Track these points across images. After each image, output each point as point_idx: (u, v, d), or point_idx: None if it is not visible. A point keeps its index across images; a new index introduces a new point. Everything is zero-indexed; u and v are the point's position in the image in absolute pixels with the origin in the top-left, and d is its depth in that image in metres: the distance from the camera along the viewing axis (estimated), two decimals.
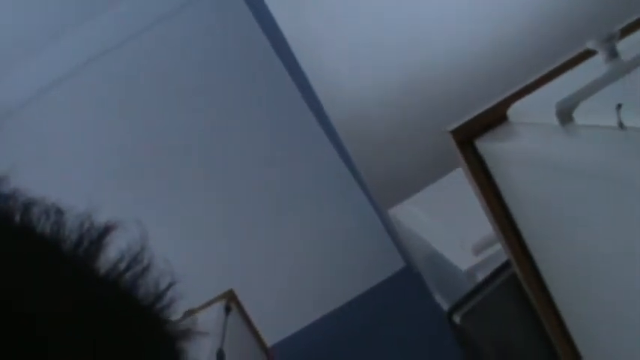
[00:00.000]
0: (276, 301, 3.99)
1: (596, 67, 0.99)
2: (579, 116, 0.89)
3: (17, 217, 0.30)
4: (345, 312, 4.01)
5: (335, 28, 3.05)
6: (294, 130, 3.93)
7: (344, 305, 4.07)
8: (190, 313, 2.52)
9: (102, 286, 0.31)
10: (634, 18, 1.16)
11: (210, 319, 2.54)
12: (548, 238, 1.13)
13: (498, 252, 1.50)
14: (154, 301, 0.33)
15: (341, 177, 3.98)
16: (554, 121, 0.93)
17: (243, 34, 3.78)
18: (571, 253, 1.06)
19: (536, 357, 1.41)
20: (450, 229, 2.18)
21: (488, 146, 1.14)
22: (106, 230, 0.33)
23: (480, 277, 1.77)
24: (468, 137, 1.16)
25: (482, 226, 1.34)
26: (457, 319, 1.45)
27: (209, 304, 2.80)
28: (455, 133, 1.16)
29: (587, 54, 1.10)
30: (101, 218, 0.33)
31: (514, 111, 1.12)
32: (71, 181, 3.71)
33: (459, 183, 1.44)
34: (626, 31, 1.10)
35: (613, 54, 0.97)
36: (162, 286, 0.33)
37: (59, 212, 0.31)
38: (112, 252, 0.32)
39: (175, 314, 0.34)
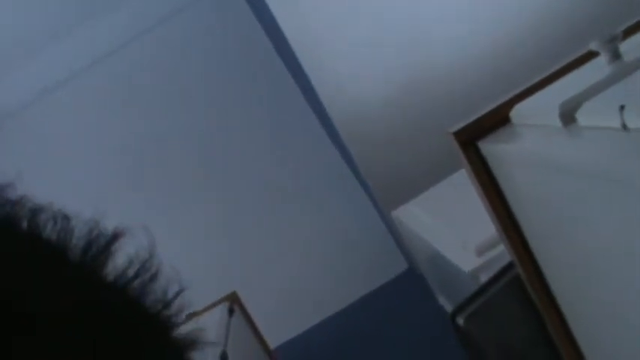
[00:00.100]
0: (279, 304, 3.99)
1: (598, 68, 0.99)
2: (582, 117, 0.89)
3: (24, 224, 0.30)
4: (348, 314, 4.01)
5: (337, 29, 3.06)
6: (296, 132, 3.93)
7: (347, 307, 4.06)
8: (193, 315, 2.52)
9: (109, 292, 0.31)
10: (637, 19, 1.16)
11: (213, 321, 2.54)
12: (552, 240, 1.13)
13: (501, 253, 1.51)
14: (162, 309, 0.33)
15: (343, 179, 3.97)
16: (557, 122, 0.93)
17: (245, 35, 3.78)
18: (574, 254, 1.06)
19: (539, 359, 1.41)
20: (453, 230, 2.18)
21: (491, 148, 1.14)
22: (114, 237, 0.33)
23: (484, 278, 1.77)
24: (471, 139, 1.16)
25: (486, 227, 1.33)
26: (460, 320, 1.45)
27: (212, 306, 2.80)
28: (458, 134, 1.16)
29: (590, 55, 1.10)
30: (103, 220, 0.33)
31: (517, 112, 1.12)
32: (72, 182, 3.72)
33: (461, 184, 1.43)
34: (629, 32, 1.10)
35: (616, 55, 0.97)
36: (170, 294, 0.33)
37: (66, 219, 0.31)
38: (120, 259, 0.32)
39: (183, 323, 0.34)
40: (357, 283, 4.07)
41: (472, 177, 1.20)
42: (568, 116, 0.91)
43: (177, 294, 0.34)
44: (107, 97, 3.81)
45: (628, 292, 0.91)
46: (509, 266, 1.39)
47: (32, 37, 3.46)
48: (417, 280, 3.57)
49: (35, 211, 0.31)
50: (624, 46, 0.98)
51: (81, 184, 3.76)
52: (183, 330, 0.34)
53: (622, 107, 0.76)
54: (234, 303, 2.84)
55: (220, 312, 2.68)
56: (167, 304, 0.33)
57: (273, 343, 3.37)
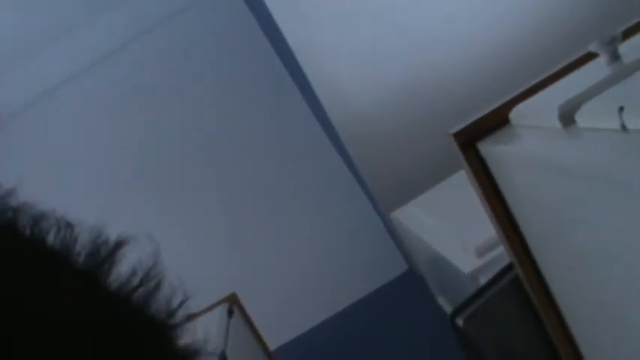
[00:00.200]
0: (278, 305, 3.98)
1: (598, 69, 0.99)
2: (581, 119, 0.89)
3: (27, 231, 0.30)
4: (347, 315, 4.00)
5: (337, 31, 3.06)
6: (296, 133, 3.93)
7: (346, 309, 4.06)
8: (193, 316, 2.51)
9: (113, 301, 0.31)
10: (636, 20, 1.16)
11: (212, 322, 2.54)
12: (551, 241, 1.13)
13: (501, 254, 1.51)
14: (166, 318, 0.33)
15: (343, 180, 3.97)
16: (557, 123, 0.93)
17: (245, 38, 3.79)
18: (573, 255, 1.06)
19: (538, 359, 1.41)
20: (453, 231, 2.18)
21: (490, 149, 1.14)
22: (118, 245, 0.32)
23: (483, 279, 1.77)
24: (471, 140, 1.16)
25: (485, 228, 1.34)
26: (460, 321, 1.45)
27: (211, 307, 2.79)
28: (457, 135, 1.16)
29: (590, 56, 1.10)
30: (106, 226, 0.32)
31: (516, 114, 1.12)
32: (72, 183, 3.73)
33: (461, 185, 1.44)
34: (628, 33, 1.10)
35: (615, 56, 0.97)
36: (175, 303, 0.33)
37: (69, 226, 0.31)
38: (124, 267, 0.32)
39: (187, 333, 0.34)
40: (357, 284, 4.06)
41: (472, 178, 1.20)
42: (567, 117, 0.91)
43: (182, 304, 0.33)
44: (107, 99, 3.81)
45: (628, 293, 0.91)
46: (509, 267, 1.39)
47: (33, 38, 3.47)
48: (416, 281, 3.57)
49: (38, 218, 0.30)
50: (623, 48, 0.99)
51: (81, 185, 3.76)
52: (187, 339, 0.34)
53: (621, 108, 0.76)
54: (233, 304, 2.83)
55: (220, 313, 2.68)
56: (171, 314, 0.33)
57: (272, 344, 3.37)
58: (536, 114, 1.06)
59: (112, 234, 0.33)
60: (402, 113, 3.14)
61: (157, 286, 0.33)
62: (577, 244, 1.02)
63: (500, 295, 1.42)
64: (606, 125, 0.81)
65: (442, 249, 2.24)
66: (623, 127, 0.76)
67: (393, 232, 3.60)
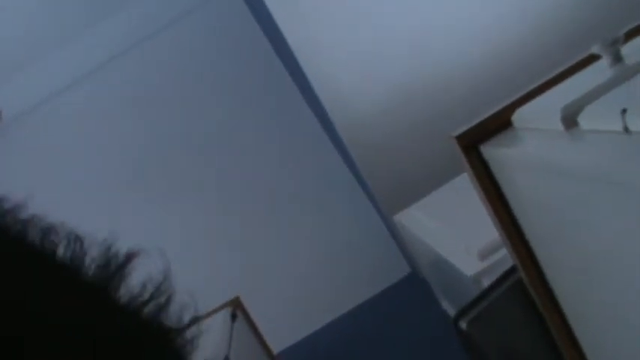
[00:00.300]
0: (282, 308, 3.98)
1: (600, 71, 0.99)
2: (584, 121, 0.89)
3: (37, 243, 0.30)
4: (350, 319, 4.00)
5: (337, 32, 3.06)
6: (299, 137, 3.93)
7: (349, 312, 4.06)
8: (196, 320, 2.51)
9: (122, 315, 0.31)
10: (638, 22, 1.16)
11: (216, 326, 2.54)
12: (554, 243, 1.13)
13: (504, 257, 1.50)
14: (176, 334, 0.33)
15: (346, 183, 3.97)
16: (559, 126, 0.93)
17: (247, 41, 3.79)
18: (576, 258, 1.06)
19: None
20: (456, 234, 2.18)
21: (493, 151, 1.14)
22: (128, 258, 0.32)
23: (486, 282, 1.77)
24: (473, 143, 1.16)
25: (488, 231, 1.33)
26: (463, 325, 1.44)
27: (215, 311, 2.79)
28: (460, 138, 1.16)
29: (592, 58, 1.10)
30: (116, 237, 0.32)
31: (519, 116, 1.12)
32: (74, 186, 3.73)
33: (464, 188, 1.43)
34: (631, 35, 1.10)
35: (617, 58, 0.97)
36: (185, 319, 0.33)
37: (78, 239, 0.31)
38: (135, 281, 0.32)
39: (196, 348, 0.33)
40: (360, 287, 4.06)
41: (474, 181, 1.20)
42: (570, 120, 0.91)
43: (193, 321, 0.33)
44: (108, 103, 3.82)
45: (630, 295, 0.91)
46: (512, 270, 1.39)
47: (34, 43, 3.48)
48: (419, 284, 3.56)
49: (47, 231, 0.30)
50: (626, 50, 0.99)
51: (83, 188, 3.77)
52: (190, 342, 0.33)
53: (624, 110, 0.76)
54: (236, 308, 2.83)
55: (223, 317, 2.68)
56: (181, 330, 0.32)
57: (276, 347, 3.36)
58: (539, 116, 1.06)
59: (120, 241, 0.32)
60: (404, 115, 3.14)
61: (168, 302, 0.32)
62: (580, 246, 1.02)
63: (504, 298, 1.42)
64: (609, 127, 0.81)
65: (445, 252, 2.24)
66: (626, 129, 0.76)
67: (395, 235, 3.60)
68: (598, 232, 0.92)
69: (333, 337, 3.90)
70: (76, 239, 0.31)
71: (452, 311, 2.60)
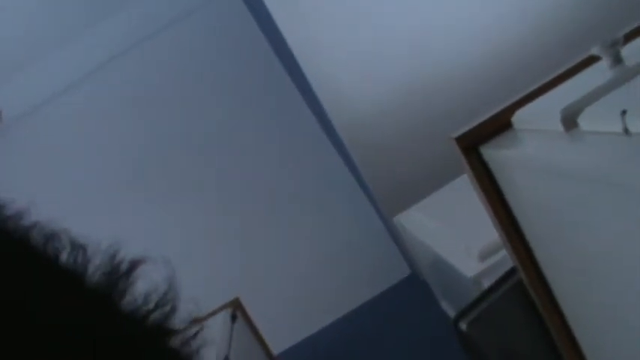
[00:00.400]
0: (282, 309, 3.98)
1: (600, 72, 0.99)
2: (584, 122, 0.89)
3: (39, 247, 0.30)
4: (350, 320, 4.00)
5: (337, 32, 3.06)
6: (299, 138, 3.93)
7: (349, 313, 4.06)
8: (196, 321, 2.51)
9: (126, 321, 0.31)
10: (638, 23, 1.16)
11: (216, 327, 2.54)
12: (554, 244, 1.13)
13: (504, 258, 1.50)
14: (182, 346, 0.32)
15: (346, 184, 3.97)
16: (559, 127, 0.92)
17: (247, 41, 3.79)
18: (576, 259, 1.06)
19: None
20: (456, 235, 2.18)
21: (493, 153, 1.14)
22: (133, 266, 0.32)
23: (486, 283, 1.76)
24: (473, 144, 1.16)
25: (488, 232, 1.33)
26: (463, 326, 1.44)
27: (215, 312, 2.79)
28: (460, 139, 1.16)
29: (592, 60, 1.10)
30: (118, 241, 0.32)
31: (518, 117, 1.12)
32: (74, 187, 3.73)
33: (464, 189, 1.43)
34: (630, 36, 1.10)
35: (617, 60, 0.97)
36: (191, 330, 0.33)
37: (82, 246, 0.31)
38: (139, 289, 0.32)
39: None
40: (360, 288, 4.06)
41: (474, 182, 1.20)
42: (570, 121, 0.91)
43: (198, 332, 0.33)
44: (108, 103, 3.82)
45: (631, 297, 0.91)
46: (512, 271, 1.39)
47: (35, 43, 3.48)
48: (419, 285, 3.56)
49: (50, 237, 0.30)
50: (625, 51, 0.98)
51: (83, 188, 3.77)
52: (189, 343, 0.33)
53: (624, 112, 0.76)
54: (236, 309, 2.83)
55: (223, 318, 2.68)
56: (187, 341, 0.32)
57: (276, 348, 3.36)
58: (539, 118, 1.05)
59: (123, 245, 0.32)
60: (404, 115, 3.14)
61: (173, 310, 0.32)
62: (579, 248, 1.02)
63: (504, 299, 1.42)
64: (609, 129, 0.81)
65: (445, 253, 2.23)
66: (626, 131, 0.75)
67: (395, 236, 3.60)
68: (598, 233, 0.92)
69: (333, 338, 3.89)
70: (80, 246, 0.31)
71: (452, 312, 2.60)
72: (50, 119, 3.76)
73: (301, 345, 4.02)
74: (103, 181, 3.84)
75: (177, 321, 0.32)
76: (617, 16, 2.43)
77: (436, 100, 3.13)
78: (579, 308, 1.20)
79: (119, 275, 0.31)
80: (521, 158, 1.06)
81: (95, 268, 0.31)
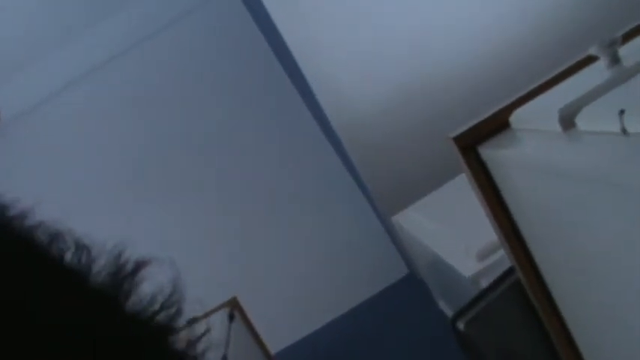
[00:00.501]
0: (281, 308, 3.98)
1: (598, 72, 0.99)
2: (582, 122, 0.89)
3: (43, 247, 0.30)
4: (348, 319, 4.00)
5: (336, 32, 3.06)
6: (298, 137, 3.93)
7: (347, 313, 4.06)
8: (194, 320, 2.51)
9: (132, 324, 0.31)
10: (636, 23, 1.16)
11: (214, 326, 2.54)
12: (552, 244, 1.13)
13: (502, 258, 1.50)
14: (187, 347, 0.32)
15: (344, 184, 3.98)
16: (557, 127, 0.93)
17: (247, 42, 3.80)
18: (574, 259, 1.06)
19: None
20: (454, 235, 2.18)
21: (491, 152, 1.14)
22: (138, 267, 0.32)
23: (484, 283, 1.76)
24: (471, 144, 1.16)
25: (486, 232, 1.33)
26: (461, 325, 1.44)
27: (213, 311, 2.79)
28: (458, 139, 1.16)
29: (589, 60, 1.10)
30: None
31: (516, 117, 1.12)
32: (74, 186, 3.73)
33: (462, 189, 1.43)
34: (628, 36, 1.10)
35: (615, 60, 0.97)
36: (197, 333, 0.33)
37: (86, 247, 0.31)
38: (144, 289, 0.32)
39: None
40: (358, 288, 4.06)
41: (472, 182, 1.20)
42: (568, 121, 0.91)
43: (204, 334, 0.33)
44: (108, 102, 3.82)
45: (629, 297, 0.91)
46: (510, 271, 1.39)
47: (34, 42, 3.48)
48: (417, 285, 3.56)
49: (55, 237, 0.30)
50: (623, 51, 0.98)
51: (82, 187, 3.77)
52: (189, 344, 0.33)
53: (622, 111, 0.76)
54: (234, 308, 2.83)
55: (221, 317, 2.68)
56: (192, 344, 0.32)
57: (274, 347, 3.36)
58: (537, 117, 1.06)
59: (127, 247, 0.32)
60: (404, 115, 3.14)
61: (178, 312, 0.32)
62: (578, 248, 1.02)
63: (502, 299, 1.42)
64: (607, 128, 0.81)
65: (443, 253, 2.24)
66: (624, 131, 0.75)
67: (393, 236, 3.60)
68: (596, 233, 0.92)
69: (332, 337, 3.90)
70: (84, 246, 0.31)
71: (450, 312, 2.60)
72: (50, 119, 3.76)
73: (299, 344, 4.02)
74: (103, 181, 3.84)
75: (183, 323, 0.32)
76: (616, 16, 2.43)
77: (436, 99, 3.12)
78: (577, 308, 1.20)
79: (124, 276, 0.31)
80: (519, 158, 1.06)
81: (100, 269, 0.31)
